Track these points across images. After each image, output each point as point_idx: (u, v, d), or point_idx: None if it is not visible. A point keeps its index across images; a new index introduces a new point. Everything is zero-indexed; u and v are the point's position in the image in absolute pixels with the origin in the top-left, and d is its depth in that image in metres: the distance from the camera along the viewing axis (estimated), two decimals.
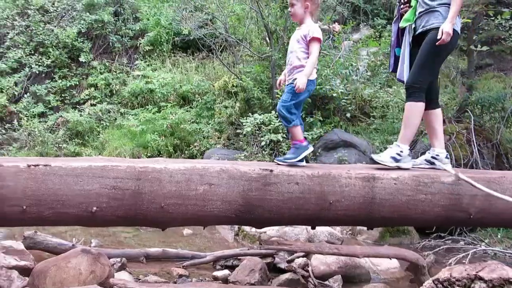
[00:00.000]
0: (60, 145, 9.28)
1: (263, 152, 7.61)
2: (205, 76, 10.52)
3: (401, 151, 3.08)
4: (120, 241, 4.35)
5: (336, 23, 9.72)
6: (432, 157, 3.25)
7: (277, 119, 7.23)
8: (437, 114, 3.34)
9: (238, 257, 3.63)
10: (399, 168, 3.00)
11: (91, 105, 10.27)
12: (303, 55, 3.05)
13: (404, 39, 3.35)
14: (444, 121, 4.93)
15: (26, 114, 9.86)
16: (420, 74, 3.14)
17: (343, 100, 7.29)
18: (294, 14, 3.14)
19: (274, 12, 8.40)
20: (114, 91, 10.61)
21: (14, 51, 10.82)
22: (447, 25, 2.95)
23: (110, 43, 11.45)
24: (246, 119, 7.72)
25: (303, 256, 3.59)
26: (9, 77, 10.49)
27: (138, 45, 11.60)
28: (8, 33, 11.18)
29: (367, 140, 6.92)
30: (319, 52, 3.30)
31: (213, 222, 2.77)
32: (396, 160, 3.05)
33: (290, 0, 3.14)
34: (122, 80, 10.81)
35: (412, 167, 3.14)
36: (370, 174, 2.73)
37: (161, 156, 8.97)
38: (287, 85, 3.13)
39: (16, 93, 10.29)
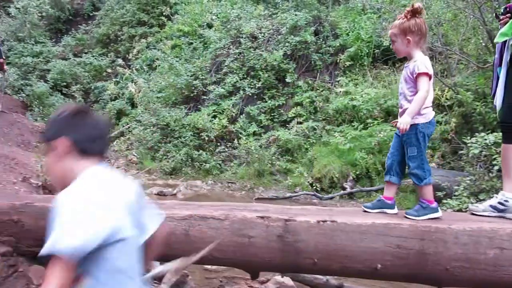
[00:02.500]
0: (273, 162, 10.04)
1: (490, 174, 6.85)
2: None
3: (506, 200, 2.68)
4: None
5: None
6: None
7: None
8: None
9: None
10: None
11: (298, 123, 10.84)
12: (413, 96, 2.70)
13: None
14: None
15: (242, 133, 10.96)
16: None
17: None
18: (398, 51, 2.82)
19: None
20: (318, 108, 10.99)
21: (230, 76, 12.17)
22: None
23: (312, 62, 11.92)
24: (470, 138, 7.06)
25: None
26: (227, 100, 11.84)
27: (338, 61, 11.81)
28: (224, 60, 12.64)
29: None
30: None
31: None
32: (499, 210, 2.67)
33: (390, 37, 2.83)
34: (325, 97, 11.12)
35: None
36: None
37: (370, 174, 8.94)
38: (403, 135, 2.76)
39: (233, 114, 11.54)
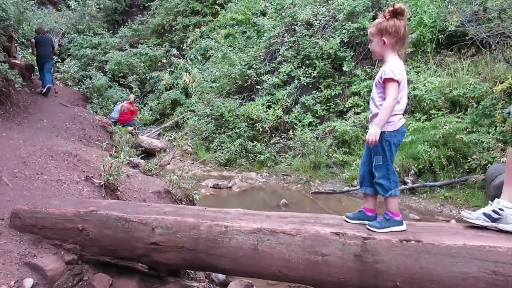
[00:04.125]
0: (329, 154, 9.74)
1: None
2: (478, 77, 9.38)
3: (501, 209, 2.50)
4: None
5: None
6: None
7: None
8: None
9: None
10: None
11: (355, 113, 10.43)
12: (382, 101, 2.52)
13: None
14: None
15: (298, 124, 10.70)
16: None
17: None
18: (373, 52, 2.68)
19: None
20: None
21: (285, 65, 11.89)
22: None
23: (370, 49, 11.39)
24: None
25: None
26: (282, 89, 11.59)
27: None
28: (279, 49, 12.37)
29: None
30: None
31: None
32: (493, 219, 2.48)
33: (368, 35, 2.67)
34: None
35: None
36: None
37: (433, 169, 8.45)
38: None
39: (288, 104, 11.29)
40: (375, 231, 2.47)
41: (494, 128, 8.19)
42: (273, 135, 10.85)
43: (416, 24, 10.91)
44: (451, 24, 10.33)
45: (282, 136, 10.67)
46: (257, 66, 12.28)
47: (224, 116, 11.38)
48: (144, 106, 15.17)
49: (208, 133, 11.39)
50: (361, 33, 11.25)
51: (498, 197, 7.83)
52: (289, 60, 11.93)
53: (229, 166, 10.31)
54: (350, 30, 11.26)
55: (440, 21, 10.72)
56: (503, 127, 8.09)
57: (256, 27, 13.87)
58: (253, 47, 12.96)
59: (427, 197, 8.09)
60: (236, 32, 14.42)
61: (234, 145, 10.46)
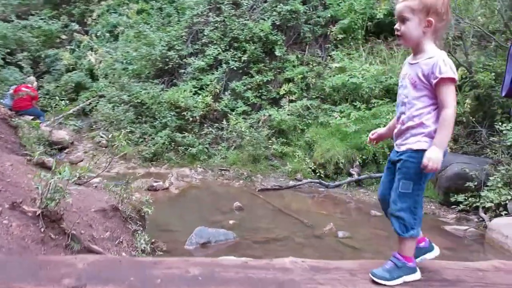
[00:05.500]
0: (268, 146, 9.06)
1: None
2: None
3: None
4: None
5: None
6: None
7: None
8: None
9: None
10: None
11: (290, 101, 9.87)
12: (424, 109, 1.87)
13: None
14: None
15: (230, 112, 9.81)
16: None
17: None
18: (406, 36, 1.90)
19: None
20: (310, 85, 10.06)
21: (211, 47, 10.85)
22: None
23: (301, 34, 10.90)
24: (485, 122, 6.73)
25: None
26: (209, 74, 10.56)
27: (328, 33, 10.90)
28: (203, 29, 11.27)
29: None
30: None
31: None
32: None
33: (399, 12, 1.89)
34: (317, 72, 10.20)
35: None
36: None
37: (377, 160, 8.26)
38: (399, 161, 1.94)
39: (217, 90, 10.31)
40: (384, 284, 1.86)
41: None
42: (204, 124, 9.83)
43: (347, 10, 10.65)
44: (379, 12, 10.26)
45: (214, 126, 9.71)
46: (180, 47, 11.06)
47: (146, 104, 10.03)
48: (39, 89, 12.97)
49: (127, 123, 9.92)
50: (293, 16, 10.67)
51: (451, 188, 7.67)
52: (215, 42, 10.92)
53: (156, 161, 9.07)
54: (281, 13, 10.59)
55: (369, 9, 10.61)
56: None
57: (175, 4, 12.52)
58: (174, 26, 11.64)
59: (375, 189, 7.86)
60: (151, 8, 12.89)
61: (161, 137, 9.22)
